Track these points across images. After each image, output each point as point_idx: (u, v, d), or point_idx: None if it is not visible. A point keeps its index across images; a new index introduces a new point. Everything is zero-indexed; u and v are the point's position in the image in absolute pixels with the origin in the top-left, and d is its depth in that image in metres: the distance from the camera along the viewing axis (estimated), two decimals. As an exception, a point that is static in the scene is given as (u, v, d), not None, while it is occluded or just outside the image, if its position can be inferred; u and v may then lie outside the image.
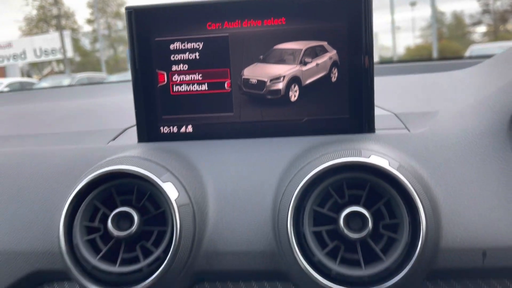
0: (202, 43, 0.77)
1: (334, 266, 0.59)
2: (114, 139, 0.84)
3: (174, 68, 0.78)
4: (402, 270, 0.58)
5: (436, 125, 0.73)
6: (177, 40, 0.77)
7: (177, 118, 0.79)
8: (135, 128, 0.82)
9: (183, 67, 0.78)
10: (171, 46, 0.77)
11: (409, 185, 0.59)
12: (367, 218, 0.58)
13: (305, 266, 0.60)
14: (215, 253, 0.66)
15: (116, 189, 0.66)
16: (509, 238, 0.61)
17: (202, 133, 0.78)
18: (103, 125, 0.92)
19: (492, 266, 0.61)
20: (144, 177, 0.65)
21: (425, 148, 0.69)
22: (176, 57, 0.77)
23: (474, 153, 0.68)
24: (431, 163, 0.67)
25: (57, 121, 1.01)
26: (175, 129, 0.79)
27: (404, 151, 0.68)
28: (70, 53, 20.50)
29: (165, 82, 0.78)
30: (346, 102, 0.75)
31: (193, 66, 0.77)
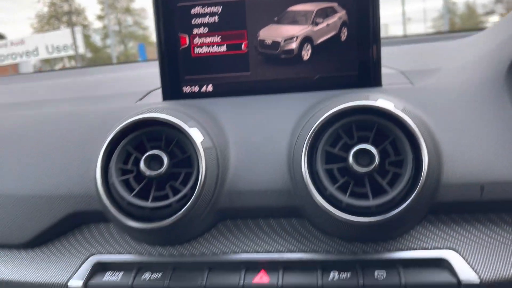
0: (221, 7, 0.83)
1: (345, 198, 0.65)
2: (140, 99, 0.91)
3: (195, 31, 0.85)
4: (405, 201, 0.64)
5: (439, 79, 0.79)
6: (198, 5, 0.84)
7: (198, 78, 0.86)
8: (159, 90, 0.89)
9: (203, 30, 0.84)
10: (192, 11, 0.84)
11: (413, 125, 0.65)
12: (374, 155, 0.65)
13: (318, 199, 0.66)
14: (237, 192, 0.73)
15: (146, 137, 0.73)
16: (505, 173, 0.67)
17: (221, 91, 0.85)
18: (128, 89, 0.99)
19: (490, 199, 0.67)
20: (171, 124, 0.71)
21: (428, 98, 0.75)
22: (197, 21, 0.84)
23: (474, 101, 0.73)
24: (433, 111, 0.73)
25: (85, 89, 1.08)
26: (196, 89, 0.86)
27: (408, 101, 0.74)
28: (81, 49, 20.67)
29: (187, 44, 0.85)
30: (355, 60, 0.81)
31: (212, 29, 0.84)
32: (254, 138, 0.76)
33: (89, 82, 1.19)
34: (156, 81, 0.89)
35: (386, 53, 0.81)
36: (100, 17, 32.72)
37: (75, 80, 1.27)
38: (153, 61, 1.52)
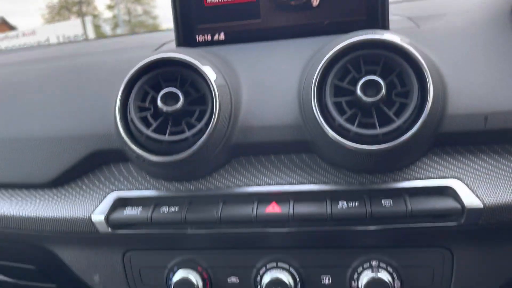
0: (232, -45, 0.86)
1: (353, 128, 0.68)
2: (156, 49, 0.95)
3: (208, -20, 0.87)
4: (411, 128, 0.67)
5: (445, 22, 0.81)
6: (210, -46, 0.86)
7: (210, 27, 0.89)
8: (173, 42, 0.92)
9: (215, -21, 0.87)
10: (205, -39, 0.87)
11: (419, 56, 0.68)
12: (381, 86, 0.67)
13: (327, 130, 0.69)
14: (249, 127, 0.76)
15: (162, 77, 0.77)
16: (507, 104, 0.69)
17: (233, 39, 0.88)
18: (143, 43, 1.03)
19: (493, 128, 0.70)
20: (186, 63, 0.75)
21: (434, 38, 0.77)
22: (209, -30, 0.87)
23: (478, 38, 0.76)
24: (439, 48, 0.75)
25: (102, 46, 1.12)
26: (209, 37, 0.89)
27: (415, 40, 0.77)
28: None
29: (200, -6, 0.88)
30: (363, 4, 0.83)
31: (224, -22, 0.87)
32: (265, 78, 0.79)
33: (104, 43, 1.23)
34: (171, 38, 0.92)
35: (394, 5, 0.83)
36: (110, 7, 32.78)
37: (89, 43, 1.31)
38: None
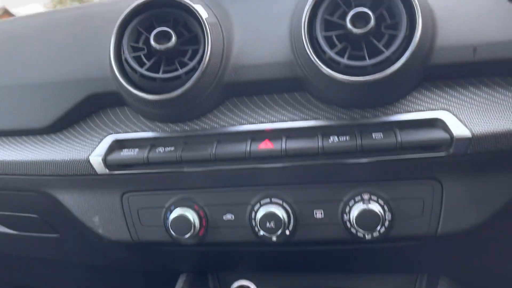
0: None
1: (343, 60, 0.69)
2: None
3: None
4: (400, 59, 0.68)
5: None
6: None
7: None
8: None
9: None
10: None
11: None
12: (370, 17, 0.68)
13: (318, 63, 0.70)
14: (241, 65, 0.77)
15: (155, 18, 0.78)
16: (495, 35, 0.70)
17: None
18: None
19: (482, 59, 0.70)
20: (178, 2, 0.75)
21: None
22: None
23: None
24: None
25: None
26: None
27: None
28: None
29: None
30: None
31: None
32: (257, 17, 0.79)
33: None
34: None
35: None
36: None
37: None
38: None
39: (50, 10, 1.04)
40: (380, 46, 0.69)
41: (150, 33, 0.76)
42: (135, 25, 0.78)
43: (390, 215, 0.75)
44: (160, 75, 0.74)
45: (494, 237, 0.82)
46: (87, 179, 0.84)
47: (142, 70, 0.74)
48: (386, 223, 0.75)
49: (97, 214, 0.86)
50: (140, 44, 0.78)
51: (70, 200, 0.87)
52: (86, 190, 0.86)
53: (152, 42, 0.74)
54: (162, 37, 0.75)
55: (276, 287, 1.08)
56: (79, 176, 0.84)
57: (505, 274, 0.96)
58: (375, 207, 0.75)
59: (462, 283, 0.96)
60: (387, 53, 0.68)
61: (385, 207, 0.75)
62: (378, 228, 0.75)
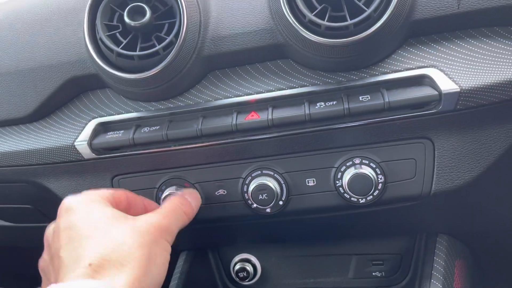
0: None
1: (323, 22, 0.67)
2: None
3: None
4: (382, 16, 0.66)
5: None
6: None
7: None
8: None
9: None
10: None
11: None
12: (348, -25, 0.65)
13: (297, 26, 0.68)
14: (220, 36, 0.75)
15: (127, -6, 0.75)
16: (480, -17, 0.67)
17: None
18: None
19: (467, 10, 0.68)
20: None
21: None
22: None
23: None
24: None
25: None
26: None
27: None
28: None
29: None
30: None
31: None
32: None
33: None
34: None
35: None
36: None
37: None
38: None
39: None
40: (361, 4, 0.67)
41: (124, 10, 0.73)
42: (107, 3, 0.75)
43: (382, 178, 0.74)
44: (137, 52, 0.72)
45: (489, 191, 0.82)
46: (75, 165, 0.83)
47: (119, 49, 0.72)
48: (380, 186, 0.75)
49: (89, 199, 0.85)
50: (115, 22, 0.75)
51: (60, 187, 0.86)
52: (75, 176, 0.85)
53: (126, 19, 0.72)
54: (137, 13, 0.73)
55: (276, 258, 1.08)
56: (67, 163, 0.82)
57: (502, 226, 0.96)
58: (367, 170, 0.74)
59: (460, 239, 0.96)
60: (368, 11, 0.66)
61: (377, 170, 0.74)
62: (372, 191, 0.74)
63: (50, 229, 0.67)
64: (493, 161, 0.73)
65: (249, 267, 1.07)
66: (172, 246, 1.05)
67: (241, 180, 0.79)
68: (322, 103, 0.72)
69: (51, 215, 1.00)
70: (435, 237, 0.92)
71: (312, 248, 1.06)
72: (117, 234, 0.59)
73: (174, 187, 0.80)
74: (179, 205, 0.71)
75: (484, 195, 0.82)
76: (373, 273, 1.03)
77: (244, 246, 1.07)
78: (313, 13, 0.68)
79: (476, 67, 0.69)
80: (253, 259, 1.08)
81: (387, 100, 0.69)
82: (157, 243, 0.62)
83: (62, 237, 0.60)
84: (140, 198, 0.74)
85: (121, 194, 0.70)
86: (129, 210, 0.70)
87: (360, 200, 0.76)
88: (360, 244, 1.03)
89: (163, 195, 0.80)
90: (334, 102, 0.71)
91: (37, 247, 1.17)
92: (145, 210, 0.73)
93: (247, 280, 1.07)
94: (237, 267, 1.07)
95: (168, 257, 0.63)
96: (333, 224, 0.93)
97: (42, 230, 1.08)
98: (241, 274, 1.07)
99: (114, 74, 0.74)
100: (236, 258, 1.09)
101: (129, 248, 0.57)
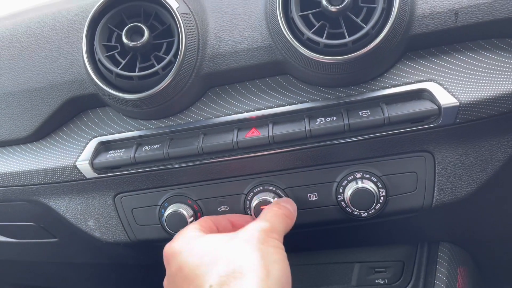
0: None
1: (322, 40, 0.67)
2: None
3: None
4: (381, 33, 0.66)
5: None
6: None
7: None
8: None
9: None
10: None
11: None
12: (347, -7, 0.65)
13: (296, 44, 0.68)
14: (219, 54, 0.75)
15: (125, 14, 0.75)
16: (477, -3, 0.68)
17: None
18: None
19: (464, 24, 0.68)
20: None
21: None
22: None
23: None
24: None
25: None
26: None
27: None
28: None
29: None
30: None
31: None
32: (230, 2, 0.76)
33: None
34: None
35: None
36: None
37: None
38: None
39: (15, 12, 1.01)
40: (359, 21, 0.67)
41: (121, 30, 0.73)
42: (105, 23, 0.75)
43: (384, 191, 0.75)
44: (136, 73, 0.72)
45: (490, 200, 0.82)
46: (77, 184, 0.83)
47: (117, 70, 0.72)
48: (381, 200, 0.75)
49: (91, 217, 0.86)
50: (113, 42, 0.75)
51: (63, 206, 0.87)
52: (77, 195, 0.85)
53: (124, 39, 0.72)
54: (135, 33, 0.73)
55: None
56: (68, 182, 0.82)
57: (504, 233, 0.96)
58: (368, 185, 0.74)
59: (462, 246, 0.97)
60: (366, 27, 0.66)
61: (379, 184, 0.75)
62: (373, 205, 0.74)
63: (164, 282, 0.67)
64: (493, 172, 0.73)
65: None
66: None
67: (243, 196, 0.79)
68: (322, 119, 0.72)
69: (54, 231, 1.01)
70: (437, 244, 0.93)
71: (314, 257, 1.06)
72: (225, 251, 0.58)
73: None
74: (277, 209, 0.70)
75: (485, 205, 0.82)
76: (376, 281, 1.03)
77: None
78: (311, 31, 0.68)
79: (475, 80, 0.69)
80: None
81: (386, 115, 0.69)
82: (267, 243, 0.60)
83: (177, 281, 0.60)
84: (223, 217, 0.74)
85: (206, 219, 0.70)
86: (220, 231, 0.70)
87: (362, 214, 0.76)
88: (362, 252, 1.03)
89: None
90: (334, 118, 0.72)
91: (40, 262, 1.18)
92: (233, 225, 0.73)
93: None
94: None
95: (284, 254, 0.62)
96: (335, 234, 0.93)
97: (44, 246, 1.09)
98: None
99: (113, 94, 0.74)
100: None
101: (242, 257, 0.57)
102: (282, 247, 0.63)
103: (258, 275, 0.55)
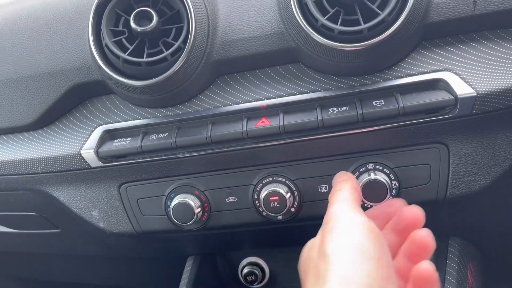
0: None
1: (336, 26, 0.65)
2: None
3: None
4: (397, 20, 0.64)
5: None
6: None
7: None
8: None
9: None
10: None
11: None
12: (362, -22, 0.63)
13: (310, 31, 0.66)
14: (230, 41, 0.73)
15: (133, -2, 0.73)
16: (497, -16, 0.66)
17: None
18: None
19: (483, 12, 0.66)
20: None
21: None
22: None
23: None
24: None
25: None
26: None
27: None
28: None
29: None
30: None
31: None
32: None
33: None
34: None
35: None
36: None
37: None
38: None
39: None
40: (375, 7, 0.65)
41: (129, 15, 0.71)
42: (112, 7, 0.73)
43: (397, 184, 0.73)
44: (144, 59, 0.70)
45: (504, 194, 0.80)
46: (81, 173, 0.81)
47: (125, 55, 0.70)
48: (394, 192, 0.73)
49: (96, 207, 0.84)
50: (120, 27, 0.73)
51: (66, 196, 0.85)
52: (81, 184, 0.83)
53: (132, 24, 0.70)
54: (143, 18, 0.71)
55: (284, 261, 1.07)
56: (73, 171, 0.81)
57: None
58: (381, 176, 0.72)
59: (472, 241, 0.95)
60: (383, 14, 0.64)
61: (391, 176, 0.73)
62: (386, 197, 0.72)
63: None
64: (509, 165, 0.72)
65: (257, 271, 1.06)
66: (178, 252, 1.04)
67: (251, 187, 0.78)
68: (335, 109, 0.70)
69: (56, 222, 0.99)
70: (447, 239, 0.91)
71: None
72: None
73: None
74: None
75: (499, 199, 0.80)
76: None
77: (252, 250, 1.06)
78: (326, 17, 0.66)
79: (493, 70, 0.67)
80: (261, 262, 1.07)
81: (401, 105, 0.67)
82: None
83: None
84: None
85: None
86: None
87: (374, 206, 0.74)
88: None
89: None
90: (347, 107, 0.70)
91: (42, 253, 1.16)
92: None
93: (255, 283, 1.06)
94: (245, 270, 1.06)
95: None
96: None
97: (46, 237, 1.07)
98: (249, 278, 1.06)
99: (121, 81, 0.72)
100: (244, 262, 1.08)
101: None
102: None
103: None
